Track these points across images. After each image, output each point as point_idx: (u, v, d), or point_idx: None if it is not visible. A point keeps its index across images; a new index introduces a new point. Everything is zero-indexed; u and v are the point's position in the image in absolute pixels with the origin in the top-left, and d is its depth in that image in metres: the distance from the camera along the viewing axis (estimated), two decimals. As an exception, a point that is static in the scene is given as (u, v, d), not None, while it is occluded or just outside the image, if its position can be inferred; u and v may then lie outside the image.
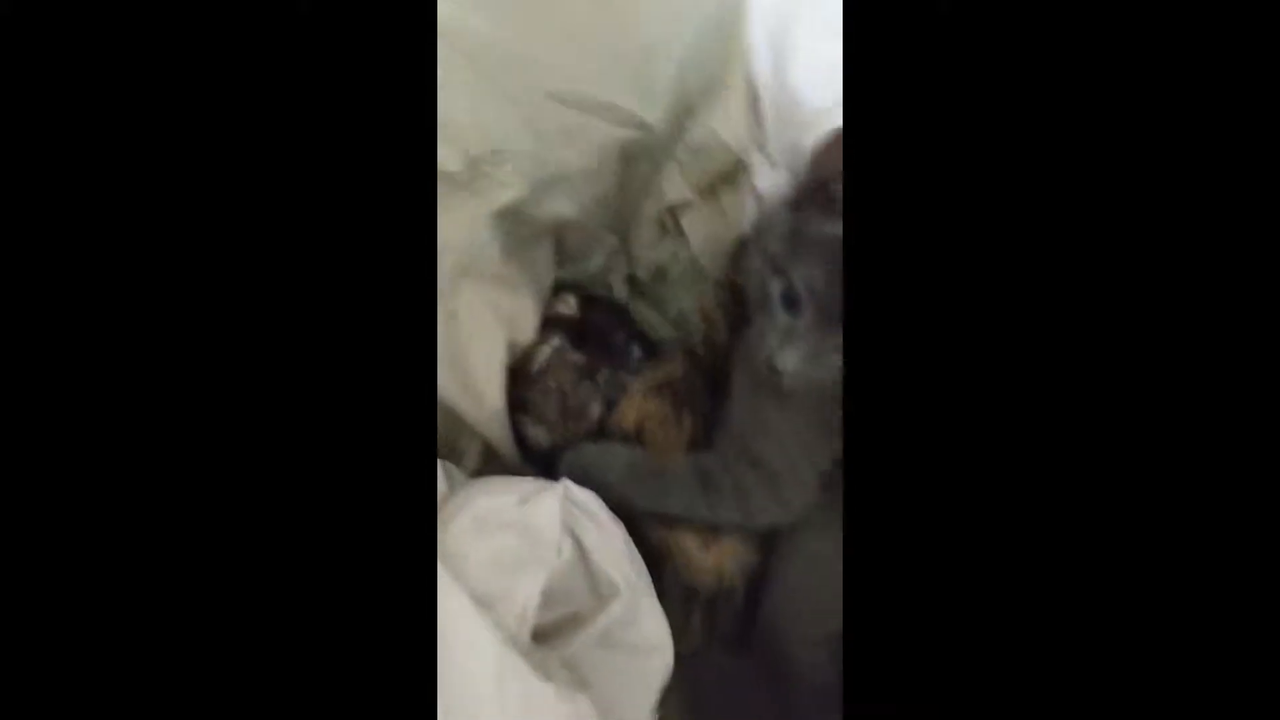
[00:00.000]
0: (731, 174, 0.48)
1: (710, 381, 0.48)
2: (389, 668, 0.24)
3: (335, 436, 0.24)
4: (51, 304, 0.23)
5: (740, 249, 0.49)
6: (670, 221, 0.49)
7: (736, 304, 0.48)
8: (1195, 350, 0.23)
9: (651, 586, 0.40)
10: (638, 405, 0.47)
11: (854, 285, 0.26)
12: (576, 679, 0.36)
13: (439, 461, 0.41)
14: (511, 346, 0.45)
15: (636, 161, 0.45)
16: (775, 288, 0.40)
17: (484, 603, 0.33)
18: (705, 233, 0.50)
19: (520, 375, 0.48)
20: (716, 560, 0.45)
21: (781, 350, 0.39)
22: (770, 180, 0.47)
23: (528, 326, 0.46)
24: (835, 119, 0.42)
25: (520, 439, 0.48)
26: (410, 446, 0.25)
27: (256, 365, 0.24)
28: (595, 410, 0.48)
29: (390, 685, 0.24)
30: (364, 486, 0.24)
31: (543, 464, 0.47)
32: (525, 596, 0.34)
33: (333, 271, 0.24)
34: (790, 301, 0.39)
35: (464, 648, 0.31)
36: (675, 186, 0.48)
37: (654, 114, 0.43)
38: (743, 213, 0.48)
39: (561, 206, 0.42)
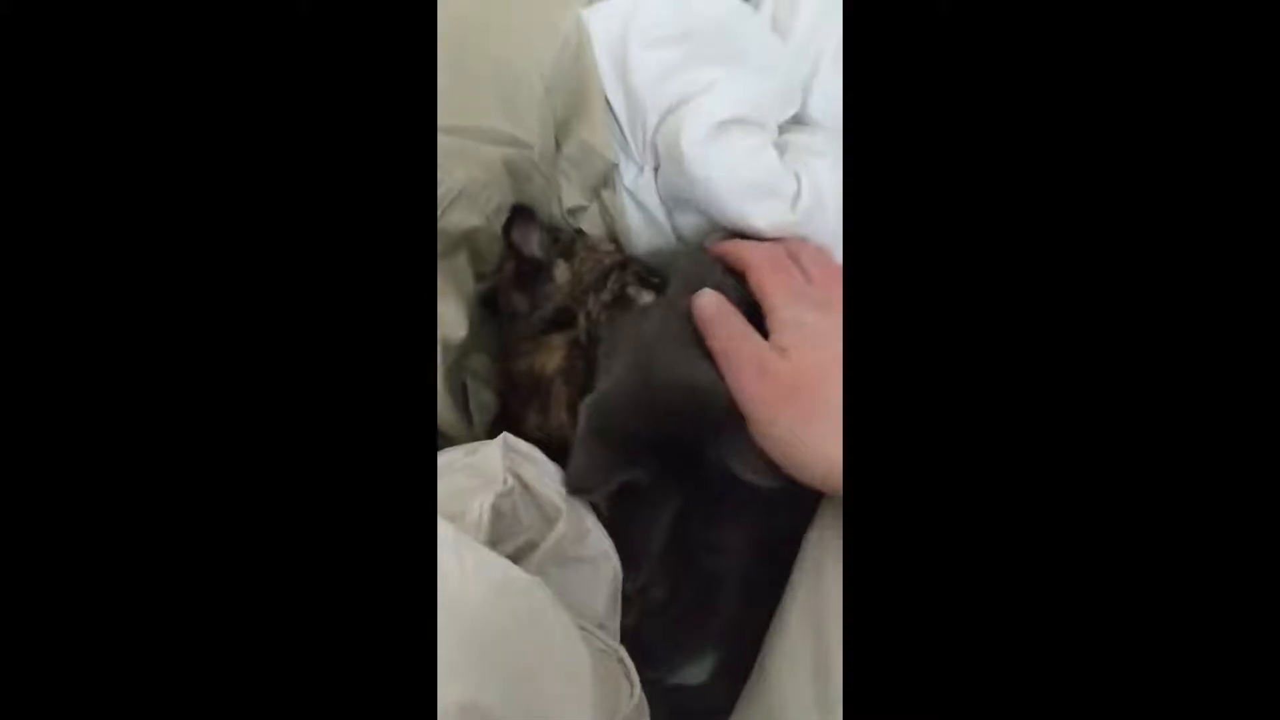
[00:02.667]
0: (608, 176, 0.57)
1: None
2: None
3: (337, 423, 0.26)
4: (42, 305, 0.24)
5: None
6: (570, 223, 0.58)
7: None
8: (1194, 350, 0.23)
9: (590, 508, 0.48)
10: (558, 356, 0.54)
11: (853, 281, 0.27)
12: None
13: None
14: (445, 344, 0.53)
15: (528, 177, 0.54)
16: None
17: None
18: (598, 230, 0.59)
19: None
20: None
21: None
22: (635, 178, 0.56)
23: (459, 327, 0.54)
24: (679, 117, 0.52)
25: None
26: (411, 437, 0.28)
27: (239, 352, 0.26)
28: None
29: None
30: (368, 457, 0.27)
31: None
32: (477, 511, 0.42)
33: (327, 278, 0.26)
34: None
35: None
36: (570, 194, 0.57)
37: (528, 133, 0.52)
38: (622, 208, 0.57)
39: (466, 218, 0.51)
